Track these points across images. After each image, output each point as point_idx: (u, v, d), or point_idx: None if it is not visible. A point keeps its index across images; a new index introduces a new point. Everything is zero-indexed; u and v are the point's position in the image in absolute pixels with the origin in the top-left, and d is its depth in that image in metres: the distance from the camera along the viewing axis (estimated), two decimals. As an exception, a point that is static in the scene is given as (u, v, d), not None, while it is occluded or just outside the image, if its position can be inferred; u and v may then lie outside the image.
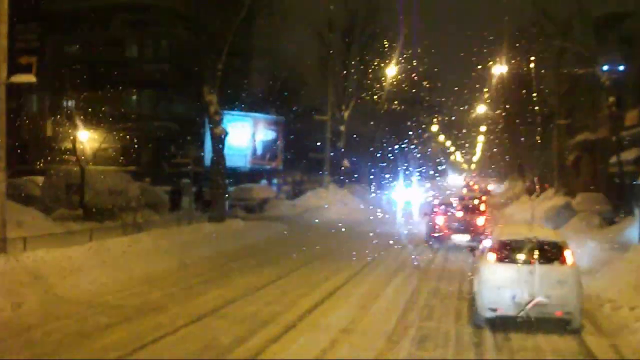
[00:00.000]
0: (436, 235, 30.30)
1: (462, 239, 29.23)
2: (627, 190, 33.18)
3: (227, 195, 45.51)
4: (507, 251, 15.01)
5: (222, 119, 34.94)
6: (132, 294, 17.89)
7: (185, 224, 31.98)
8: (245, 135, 57.16)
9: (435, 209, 32.44)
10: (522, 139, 68.52)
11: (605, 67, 29.42)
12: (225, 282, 20.11)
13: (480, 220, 30.34)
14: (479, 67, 55.55)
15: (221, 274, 21.83)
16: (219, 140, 34.55)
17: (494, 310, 14.55)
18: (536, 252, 14.56)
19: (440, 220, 30.64)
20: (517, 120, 65.88)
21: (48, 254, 18.78)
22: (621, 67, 31.67)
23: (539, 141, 58.90)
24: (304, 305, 16.77)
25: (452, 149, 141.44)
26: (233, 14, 34.21)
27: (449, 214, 31.29)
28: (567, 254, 14.76)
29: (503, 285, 14.46)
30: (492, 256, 15.09)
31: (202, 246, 26.83)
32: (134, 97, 58.12)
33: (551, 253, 14.75)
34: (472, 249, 18.98)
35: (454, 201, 35.57)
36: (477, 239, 26.48)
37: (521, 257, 14.72)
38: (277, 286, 19.64)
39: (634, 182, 32.14)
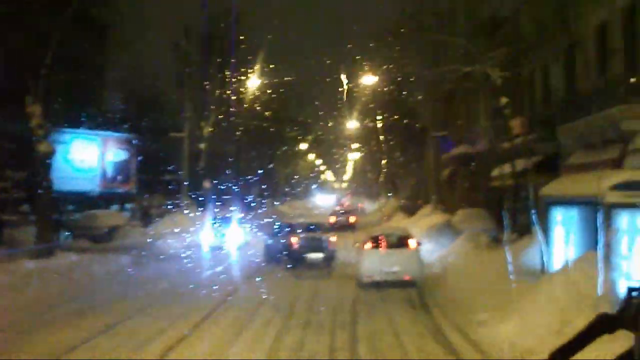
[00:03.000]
0: (290, 254, 30.81)
1: (316, 256, 30.46)
2: (513, 205, 29.96)
3: (66, 224, 40.26)
4: (376, 241, 25.04)
5: (47, 135, 29.60)
6: None
7: (5, 261, 26.44)
8: (93, 156, 51.24)
9: (287, 230, 33.25)
10: (396, 154, 65.61)
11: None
12: (12, 347, 14.81)
13: (332, 239, 32.22)
14: (346, 78, 51.34)
15: (15, 332, 16.30)
16: (43, 160, 29.23)
17: (369, 277, 23.76)
18: (393, 241, 25.03)
19: (294, 240, 31.18)
20: (389, 135, 62.91)
21: None
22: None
23: (412, 156, 55.94)
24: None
25: (323, 167, 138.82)
26: (59, 13, 29.29)
27: (301, 234, 32.02)
28: (411, 241, 25.14)
29: (374, 262, 24.01)
30: (368, 245, 25.02)
31: (10, 290, 21.52)
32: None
33: (402, 241, 25.08)
34: (356, 242, 27.61)
35: (305, 222, 36.86)
36: (329, 255, 30.69)
37: (384, 244, 24.84)
38: (82, 351, 14.57)
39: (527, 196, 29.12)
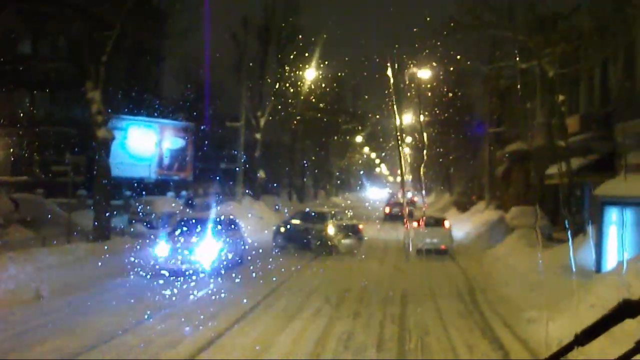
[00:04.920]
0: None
1: (347, 242, 34.00)
2: (569, 203, 29.61)
3: (122, 209, 40.84)
4: (421, 222, 34.08)
5: (106, 121, 30.08)
6: None
7: (64, 243, 27.11)
8: (150, 143, 52.01)
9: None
10: (450, 149, 65.16)
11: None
12: (75, 325, 15.26)
13: (361, 225, 36.58)
14: (400, 72, 50.99)
15: (78, 311, 16.96)
16: (102, 146, 29.73)
17: (415, 246, 31.32)
18: (432, 222, 34.23)
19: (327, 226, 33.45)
20: (444, 130, 62.51)
21: None
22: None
23: (467, 152, 55.50)
24: None
25: (377, 160, 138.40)
26: (121, 1, 29.86)
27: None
28: (446, 222, 34.63)
29: (419, 235, 32.47)
30: (415, 224, 36.29)
31: (70, 271, 22.08)
32: (27, 99, 52.51)
33: (439, 222, 34.56)
34: (404, 222, 37.61)
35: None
36: (359, 240, 34.99)
37: (427, 224, 33.61)
38: (133, 333, 14.93)
39: (579, 194, 28.78)
